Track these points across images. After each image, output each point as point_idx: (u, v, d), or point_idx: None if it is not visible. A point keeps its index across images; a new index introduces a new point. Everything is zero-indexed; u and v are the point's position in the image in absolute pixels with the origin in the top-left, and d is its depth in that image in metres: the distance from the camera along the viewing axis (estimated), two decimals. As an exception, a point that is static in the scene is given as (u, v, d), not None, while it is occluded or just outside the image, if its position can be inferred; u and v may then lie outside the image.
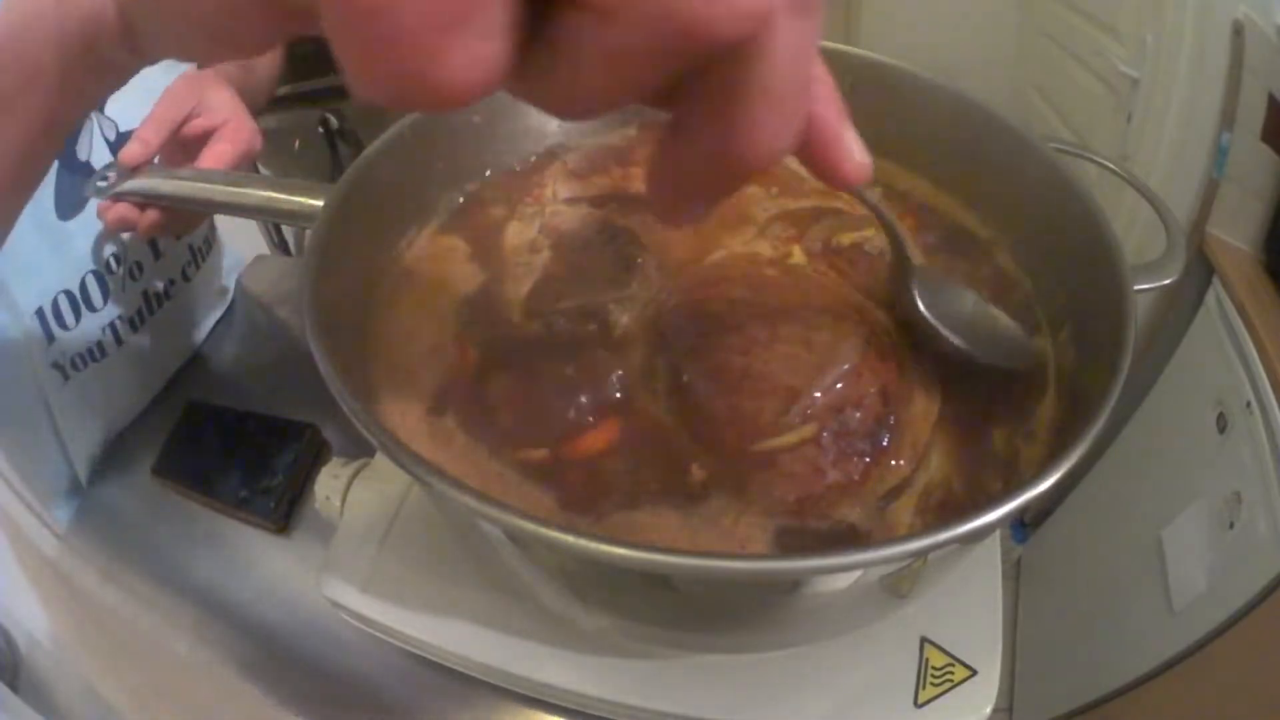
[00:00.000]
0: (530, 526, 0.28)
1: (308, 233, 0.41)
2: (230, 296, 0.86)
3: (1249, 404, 0.96)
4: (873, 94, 0.50)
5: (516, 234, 0.50)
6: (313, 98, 1.80)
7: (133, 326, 0.71)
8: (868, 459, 0.36)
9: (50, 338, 0.64)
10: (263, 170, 0.80)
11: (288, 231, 1.35)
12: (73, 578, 0.66)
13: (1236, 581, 0.91)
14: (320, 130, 1.78)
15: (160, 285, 0.74)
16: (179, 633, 0.60)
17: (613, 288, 0.45)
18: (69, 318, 0.65)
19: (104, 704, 0.59)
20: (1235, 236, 1.11)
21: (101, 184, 0.55)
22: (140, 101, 0.63)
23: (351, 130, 1.81)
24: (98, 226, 0.64)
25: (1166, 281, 0.40)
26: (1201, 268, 1.12)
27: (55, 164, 0.60)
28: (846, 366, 0.37)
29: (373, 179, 0.45)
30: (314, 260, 0.39)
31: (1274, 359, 0.94)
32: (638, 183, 0.52)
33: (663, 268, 0.46)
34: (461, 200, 0.52)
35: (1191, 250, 1.11)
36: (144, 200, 0.56)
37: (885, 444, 0.37)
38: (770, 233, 0.48)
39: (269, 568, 0.63)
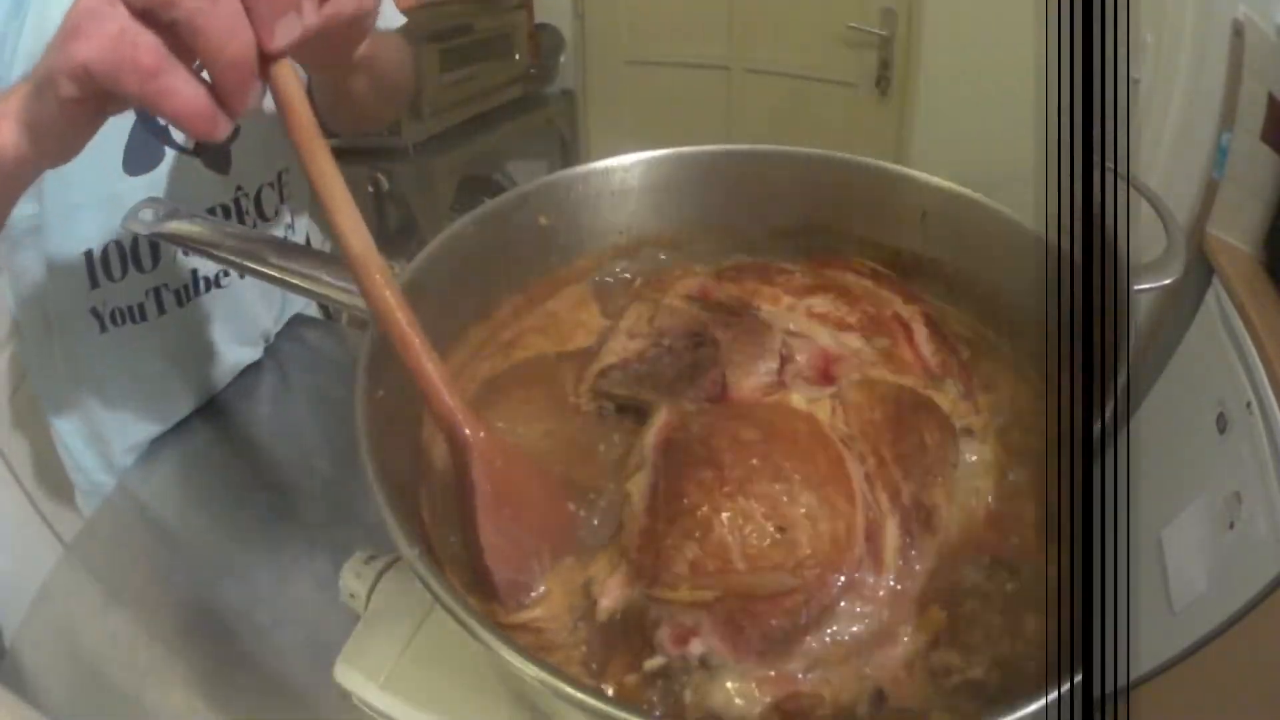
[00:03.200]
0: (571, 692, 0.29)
1: (365, 336, 0.42)
2: (284, 318, 0.86)
3: (1249, 404, 0.96)
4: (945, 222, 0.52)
5: (633, 316, 0.51)
6: (364, 156, 1.79)
7: (179, 300, 0.72)
8: (757, 651, 0.36)
9: (94, 283, 0.65)
10: (309, 222, 0.79)
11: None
12: (77, 580, 0.68)
13: (1236, 581, 0.91)
14: (370, 190, 1.77)
15: (213, 271, 0.74)
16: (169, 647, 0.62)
17: (669, 393, 0.45)
18: (116, 269, 0.66)
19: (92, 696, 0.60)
20: (1235, 236, 1.11)
21: (144, 217, 0.54)
22: None
23: (401, 194, 1.79)
24: (160, 190, 0.64)
25: (1166, 281, 0.40)
26: (1201, 268, 1.12)
27: (131, 118, 0.59)
28: (785, 564, 0.37)
29: (433, 276, 0.46)
30: (368, 365, 0.40)
31: (1274, 359, 0.95)
32: (760, 300, 0.52)
33: (721, 389, 0.46)
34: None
35: (1191, 250, 1.12)
36: (182, 245, 0.56)
37: (786, 645, 0.36)
38: (845, 398, 0.46)
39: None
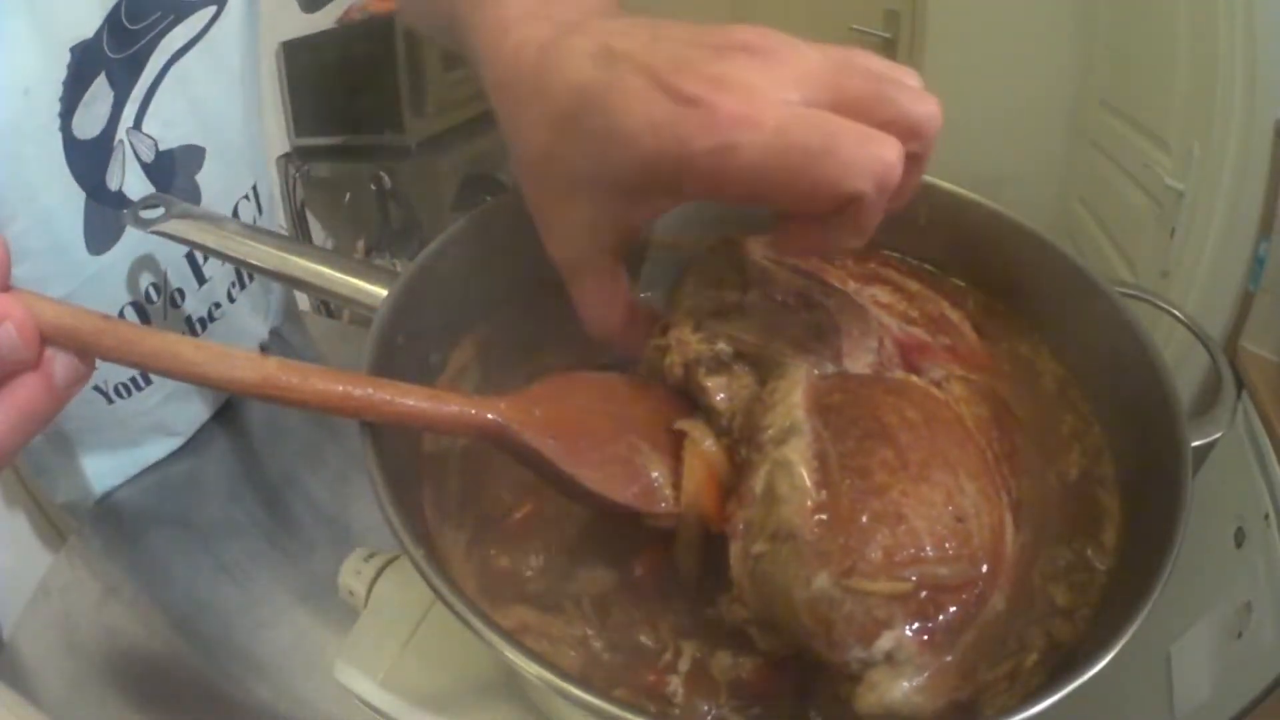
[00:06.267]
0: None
1: (369, 334, 0.41)
2: (274, 321, 0.85)
3: (1267, 516, 0.93)
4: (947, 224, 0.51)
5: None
6: (368, 154, 1.80)
7: None
8: (937, 644, 0.34)
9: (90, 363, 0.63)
10: (311, 218, 0.78)
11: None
12: (76, 575, 0.68)
13: (1239, 686, 0.88)
14: (372, 188, 1.78)
15: (204, 309, 0.72)
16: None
17: (796, 349, 0.41)
18: None
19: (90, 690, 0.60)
20: (1267, 349, 1.09)
21: (146, 215, 0.52)
22: (187, 114, 0.62)
23: (403, 192, 1.80)
24: (134, 257, 0.62)
25: (1216, 435, 0.40)
26: (1232, 384, 1.08)
27: (82, 197, 0.57)
28: (964, 554, 0.34)
29: (435, 274, 0.45)
30: (374, 363, 0.39)
31: (1295, 469, 0.92)
32: (830, 279, 0.49)
33: (846, 358, 0.42)
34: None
35: (1227, 372, 1.06)
36: (183, 244, 0.54)
37: (961, 637, 0.35)
38: (950, 391, 0.44)
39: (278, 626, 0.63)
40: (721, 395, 0.41)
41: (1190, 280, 1.20)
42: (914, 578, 0.33)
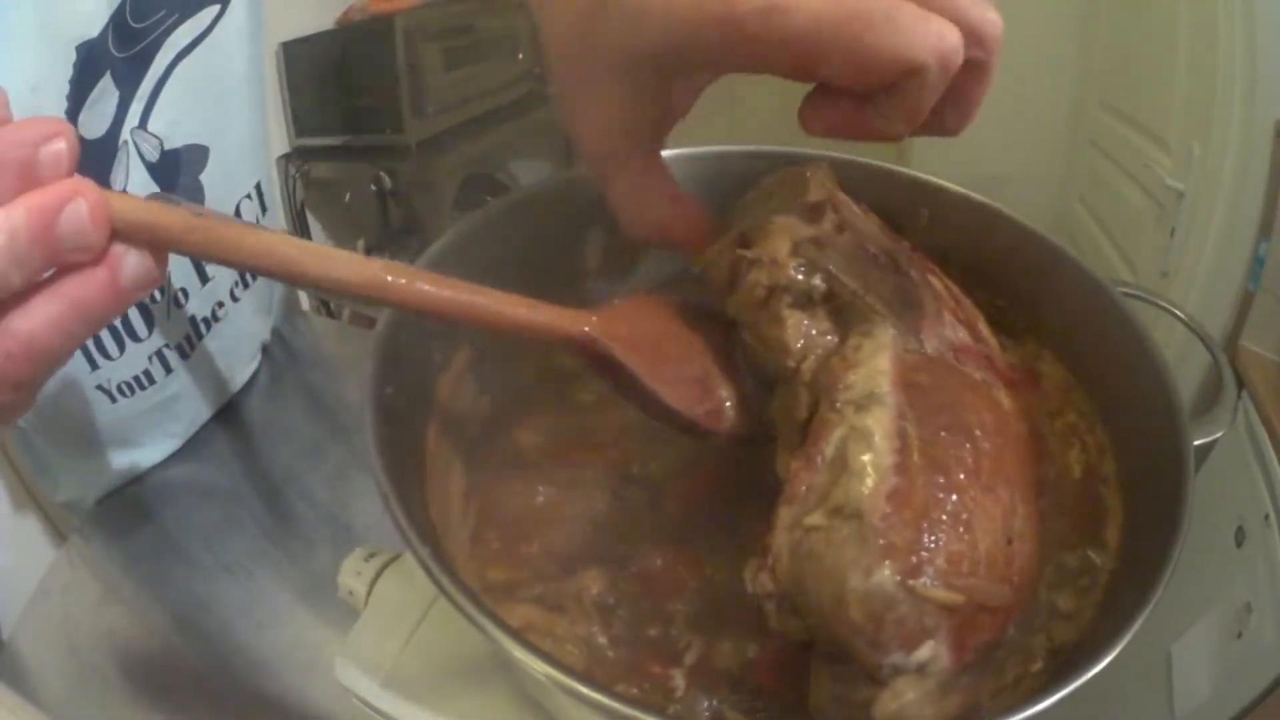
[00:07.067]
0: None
1: (375, 331, 0.41)
2: (275, 320, 0.85)
3: (1267, 516, 0.94)
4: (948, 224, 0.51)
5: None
6: (368, 154, 1.80)
7: (182, 354, 0.70)
8: (966, 664, 0.32)
9: (93, 365, 0.63)
10: (311, 218, 0.78)
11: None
12: (75, 575, 0.68)
13: (1239, 686, 0.88)
14: (373, 188, 1.78)
15: (208, 309, 0.72)
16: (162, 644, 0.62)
17: (888, 309, 0.38)
18: (112, 349, 0.64)
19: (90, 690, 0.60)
20: (1267, 348, 1.10)
21: None
22: (192, 114, 0.62)
23: (404, 192, 1.79)
24: None
25: (1218, 435, 0.40)
26: (1233, 383, 1.08)
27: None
28: (1007, 576, 0.33)
29: (444, 270, 0.44)
30: (379, 361, 0.39)
31: (1295, 469, 0.92)
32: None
33: (924, 335, 0.39)
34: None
35: (1228, 371, 1.06)
36: None
37: (987, 657, 0.34)
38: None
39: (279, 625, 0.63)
40: (798, 335, 0.38)
41: (1190, 280, 1.20)
42: (967, 591, 0.31)
